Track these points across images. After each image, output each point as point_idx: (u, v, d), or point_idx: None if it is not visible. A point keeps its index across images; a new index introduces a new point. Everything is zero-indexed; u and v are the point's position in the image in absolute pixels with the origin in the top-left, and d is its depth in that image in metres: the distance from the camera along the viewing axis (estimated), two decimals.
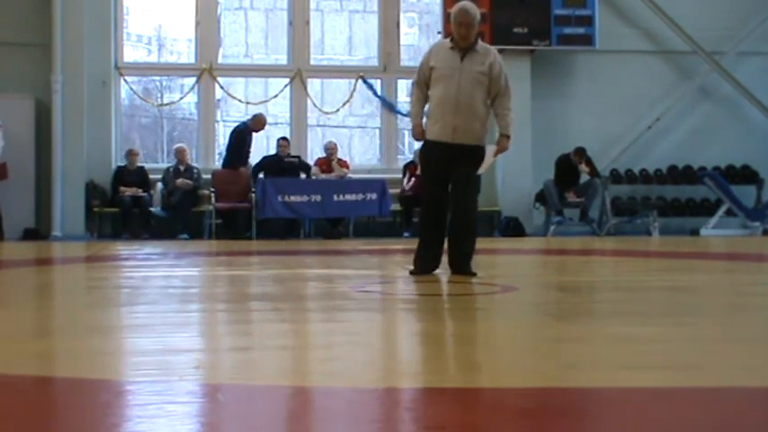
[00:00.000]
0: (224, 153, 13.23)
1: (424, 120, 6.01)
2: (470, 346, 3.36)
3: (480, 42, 5.90)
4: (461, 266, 5.79)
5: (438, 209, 5.91)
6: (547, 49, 13.47)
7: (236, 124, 13.27)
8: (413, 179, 12.58)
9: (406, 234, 12.50)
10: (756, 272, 7.05)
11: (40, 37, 12.46)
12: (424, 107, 5.96)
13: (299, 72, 13.74)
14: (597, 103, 13.94)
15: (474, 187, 5.98)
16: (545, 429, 2.02)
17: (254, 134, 12.90)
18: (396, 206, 12.83)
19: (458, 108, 5.72)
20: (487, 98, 5.84)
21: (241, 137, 12.70)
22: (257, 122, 12.78)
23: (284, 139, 13.08)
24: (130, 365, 2.86)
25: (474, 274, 5.70)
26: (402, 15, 14.38)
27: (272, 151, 13.36)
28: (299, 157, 12.83)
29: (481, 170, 5.87)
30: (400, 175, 13.19)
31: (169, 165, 12.95)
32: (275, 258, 8.32)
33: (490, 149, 5.87)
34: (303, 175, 12.83)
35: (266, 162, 12.76)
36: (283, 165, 12.66)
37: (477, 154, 5.81)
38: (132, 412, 2.21)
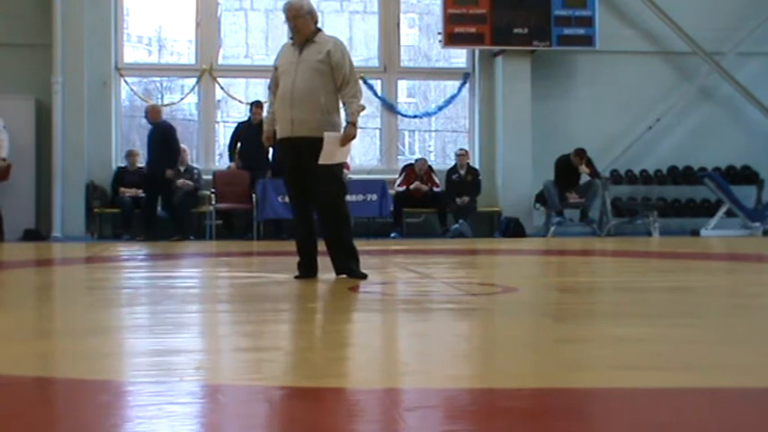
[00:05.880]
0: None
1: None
2: (470, 346, 3.36)
3: (320, 34, 5.67)
4: (342, 268, 5.65)
5: (300, 212, 5.73)
6: (547, 49, 13.47)
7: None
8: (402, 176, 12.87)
9: (392, 235, 12.52)
10: (757, 272, 7.04)
11: (40, 38, 12.45)
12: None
13: None
14: (597, 103, 13.92)
15: (329, 181, 5.59)
16: (545, 430, 2.03)
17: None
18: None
19: (293, 100, 5.52)
20: (334, 88, 5.57)
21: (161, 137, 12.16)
22: (149, 114, 12.26)
23: (257, 104, 12.42)
24: (131, 366, 2.87)
25: (363, 276, 5.58)
26: (402, 16, 14.36)
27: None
28: None
29: (325, 160, 5.49)
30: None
31: None
32: (275, 259, 8.32)
33: (329, 137, 5.50)
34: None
35: (241, 128, 12.44)
36: (257, 133, 12.14)
37: (321, 146, 5.48)
38: (132, 413, 2.21)
